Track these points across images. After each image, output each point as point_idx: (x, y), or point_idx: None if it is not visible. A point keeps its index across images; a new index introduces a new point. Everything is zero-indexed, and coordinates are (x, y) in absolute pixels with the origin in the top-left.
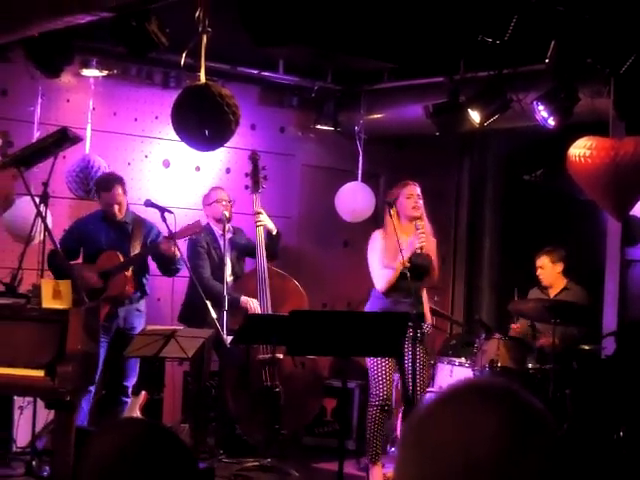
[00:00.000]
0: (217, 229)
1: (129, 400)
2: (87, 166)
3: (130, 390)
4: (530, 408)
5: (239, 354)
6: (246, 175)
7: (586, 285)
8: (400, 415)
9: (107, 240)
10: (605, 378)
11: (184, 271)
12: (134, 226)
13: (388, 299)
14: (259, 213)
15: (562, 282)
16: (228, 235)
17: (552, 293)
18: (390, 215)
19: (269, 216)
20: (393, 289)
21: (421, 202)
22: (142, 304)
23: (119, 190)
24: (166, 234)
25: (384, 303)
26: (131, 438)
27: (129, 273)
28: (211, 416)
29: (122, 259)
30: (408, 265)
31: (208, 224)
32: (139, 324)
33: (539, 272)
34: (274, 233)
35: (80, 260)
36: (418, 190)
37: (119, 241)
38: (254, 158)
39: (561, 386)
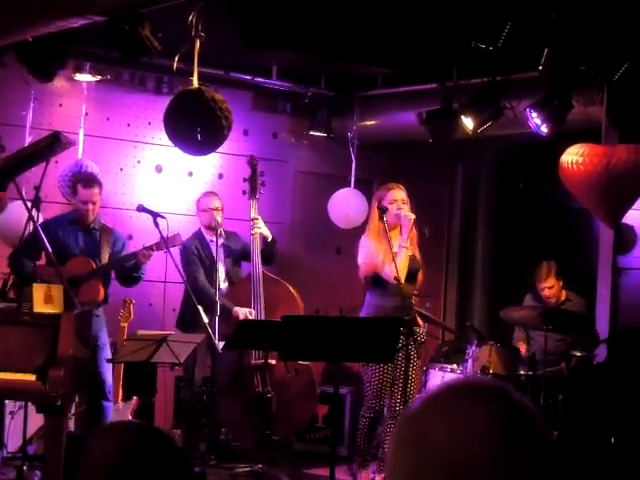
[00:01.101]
0: (208, 235)
1: (110, 404)
2: (80, 171)
3: (109, 394)
4: (521, 407)
5: (231, 359)
6: (244, 180)
7: (581, 293)
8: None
9: (77, 245)
10: (596, 385)
11: (177, 277)
12: (102, 233)
13: (381, 305)
14: (256, 219)
15: (562, 295)
16: (220, 241)
17: (552, 304)
18: (383, 221)
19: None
20: (385, 294)
21: (406, 207)
22: (101, 310)
23: (97, 190)
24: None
25: (377, 309)
26: (127, 441)
27: (99, 280)
28: (203, 422)
29: (94, 266)
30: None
31: (200, 230)
32: (102, 329)
33: (548, 293)
34: (269, 240)
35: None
36: (404, 194)
37: (90, 247)
38: (252, 163)
39: (552, 393)
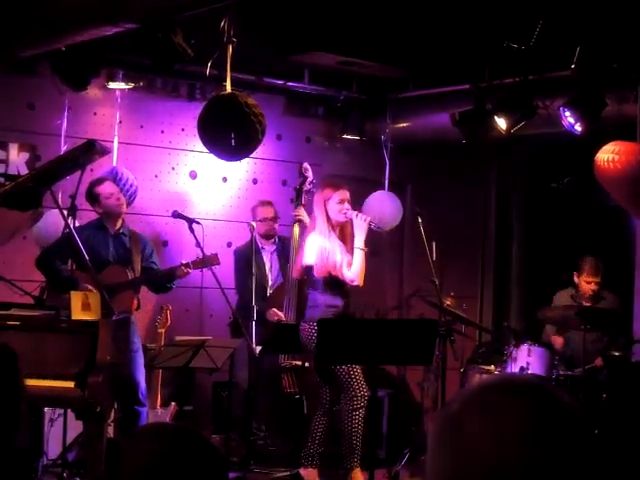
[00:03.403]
0: (261, 242)
1: (144, 409)
2: (116, 178)
3: (143, 399)
4: (563, 404)
5: (267, 362)
6: (294, 189)
7: (617, 292)
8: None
9: (107, 251)
10: (635, 383)
11: (213, 283)
12: (131, 239)
13: (334, 305)
14: (297, 211)
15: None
16: (272, 248)
17: (588, 303)
18: (328, 215)
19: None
20: (336, 294)
21: (349, 207)
22: (133, 316)
23: (111, 183)
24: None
25: (330, 309)
26: (164, 443)
27: (134, 291)
28: (253, 427)
29: (129, 275)
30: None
31: (254, 237)
32: (135, 334)
33: (593, 288)
34: None
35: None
36: (348, 196)
37: (121, 253)
38: (300, 171)
39: (591, 393)
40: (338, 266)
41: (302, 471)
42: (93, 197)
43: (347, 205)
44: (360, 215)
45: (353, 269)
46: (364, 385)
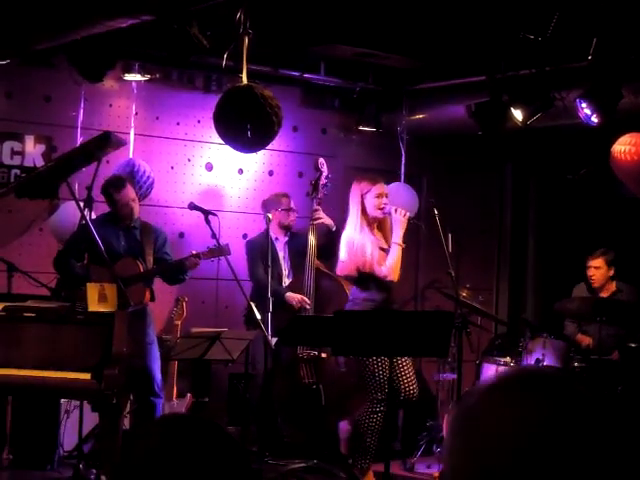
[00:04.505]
0: (274, 234)
1: (159, 401)
2: (133, 170)
3: (159, 390)
4: (581, 395)
5: (285, 352)
6: (310, 184)
7: (636, 284)
8: (446, 416)
9: (119, 244)
10: None
11: (229, 274)
12: (142, 231)
13: (370, 299)
14: (317, 210)
15: (612, 285)
16: (285, 239)
17: (603, 295)
18: (365, 210)
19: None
20: (372, 288)
21: (387, 202)
22: (148, 308)
23: (129, 188)
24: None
25: (366, 303)
26: (178, 433)
27: (146, 283)
28: (272, 418)
29: (141, 268)
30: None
31: (267, 228)
32: (150, 326)
33: (593, 272)
34: (334, 229)
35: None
36: (386, 190)
37: (132, 246)
38: (316, 166)
39: (607, 384)
40: (368, 262)
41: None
42: (110, 200)
43: (385, 200)
44: (399, 210)
45: (387, 264)
46: (378, 390)
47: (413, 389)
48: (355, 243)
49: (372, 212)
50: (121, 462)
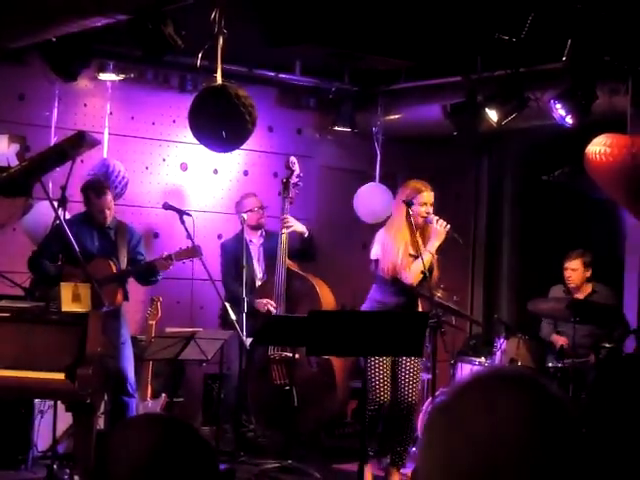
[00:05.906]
0: (248, 235)
1: (132, 400)
2: (107, 171)
3: (132, 390)
4: (552, 396)
5: (257, 353)
6: (282, 181)
7: (609, 284)
8: (421, 415)
9: (92, 244)
10: (625, 376)
11: (204, 275)
12: (117, 231)
13: (382, 302)
14: (285, 218)
15: (588, 287)
16: (260, 241)
17: (579, 297)
18: (409, 215)
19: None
20: (390, 292)
21: (431, 210)
22: (121, 308)
23: (109, 196)
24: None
25: (379, 305)
26: (153, 434)
27: (119, 284)
28: (244, 418)
29: (114, 269)
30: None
31: (241, 230)
32: (123, 326)
33: (569, 274)
34: (305, 235)
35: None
36: (432, 197)
37: (106, 246)
38: (287, 165)
39: (581, 385)
40: (398, 267)
41: None
42: (87, 201)
43: (429, 208)
44: (441, 221)
45: (412, 268)
46: (378, 391)
47: (409, 394)
48: (384, 245)
49: (414, 218)
50: (95, 463)
